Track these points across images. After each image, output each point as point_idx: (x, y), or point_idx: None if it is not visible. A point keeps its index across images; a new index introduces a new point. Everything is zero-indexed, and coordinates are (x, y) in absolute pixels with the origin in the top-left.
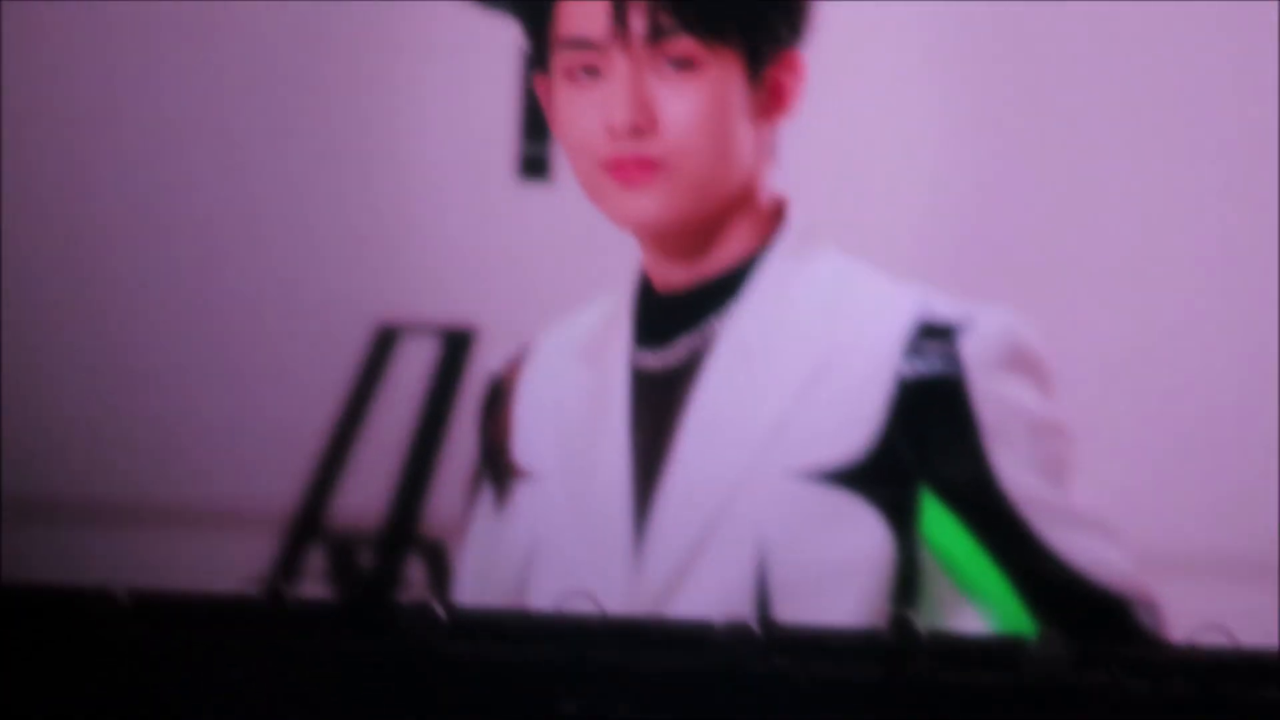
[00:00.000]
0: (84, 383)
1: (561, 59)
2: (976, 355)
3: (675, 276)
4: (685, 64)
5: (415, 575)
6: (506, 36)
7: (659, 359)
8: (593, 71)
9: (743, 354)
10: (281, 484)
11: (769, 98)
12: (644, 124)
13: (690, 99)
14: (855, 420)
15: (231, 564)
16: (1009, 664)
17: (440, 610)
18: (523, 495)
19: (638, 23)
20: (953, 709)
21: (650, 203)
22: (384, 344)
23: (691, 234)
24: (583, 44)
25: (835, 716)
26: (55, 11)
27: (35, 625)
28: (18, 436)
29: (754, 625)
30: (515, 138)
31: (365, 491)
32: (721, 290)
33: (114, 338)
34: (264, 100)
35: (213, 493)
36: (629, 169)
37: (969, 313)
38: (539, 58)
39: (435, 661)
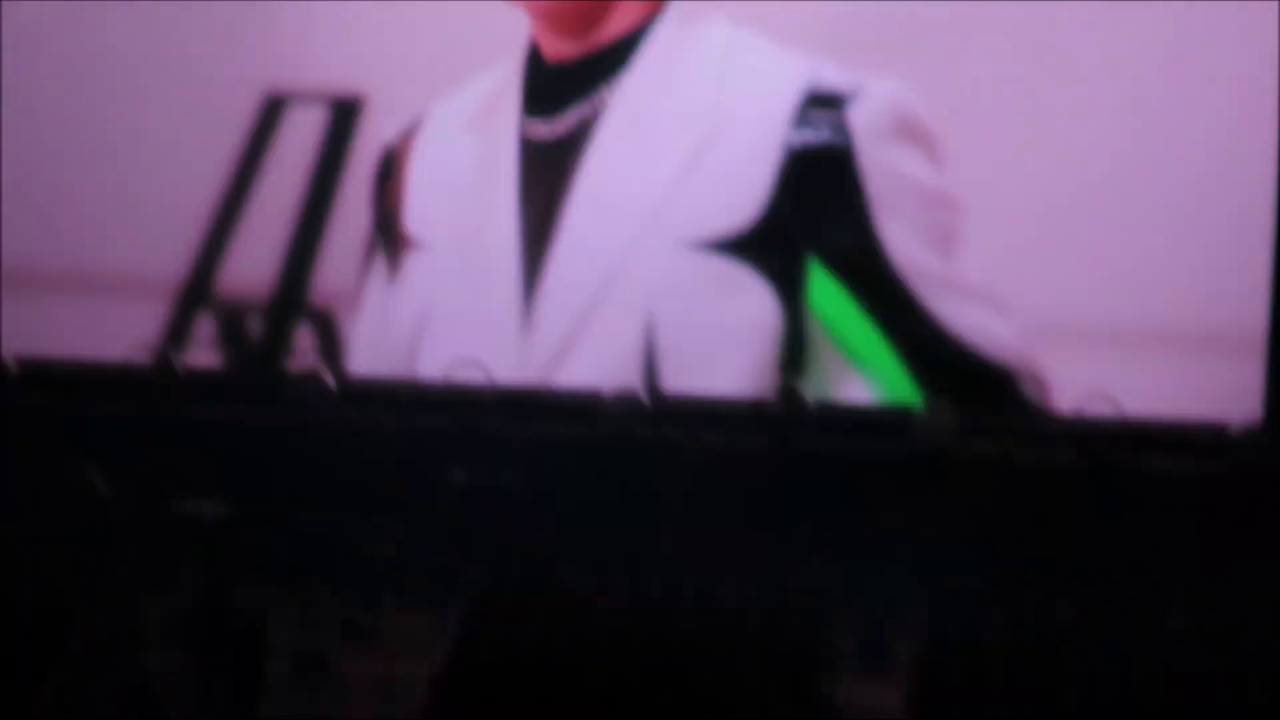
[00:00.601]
0: None
1: None
2: (865, 124)
3: (565, 46)
4: None
5: (304, 344)
6: None
7: (549, 128)
8: None
9: (632, 123)
10: (171, 251)
11: None
12: None
13: None
14: (744, 189)
15: (121, 331)
16: (896, 433)
17: (330, 379)
18: (414, 265)
19: None
20: (840, 477)
21: None
22: (272, 112)
23: (581, 5)
24: None
25: (723, 485)
26: None
27: None
28: None
29: (642, 395)
30: None
31: (254, 260)
32: (611, 59)
33: (7, 104)
34: None
35: (102, 260)
36: None
37: (858, 82)
38: None
39: (325, 430)
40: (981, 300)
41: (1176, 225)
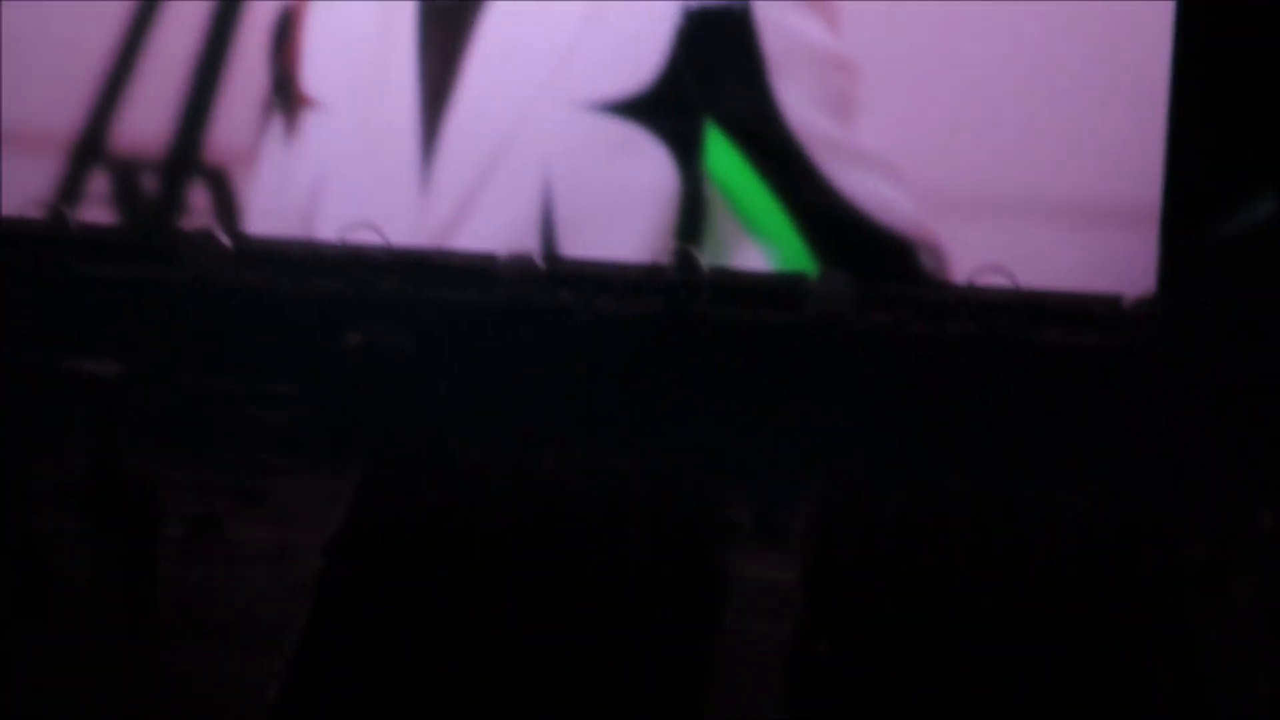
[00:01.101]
0: None
1: None
2: None
3: None
4: None
5: (199, 202)
6: None
7: None
8: None
9: None
10: (64, 104)
11: None
12: None
13: None
14: (641, 51)
15: (13, 185)
16: (791, 302)
17: (225, 239)
18: (312, 124)
19: None
20: (734, 345)
21: None
22: None
23: None
24: None
25: (617, 351)
26: None
27: None
28: None
29: (538, 259)
30: None
31: (149, 115)
32: None
33: None
34: None
35: None
36: None
37: None
38: None
39: (219, 290)
40: (879, 168)
41: (1073, 98)
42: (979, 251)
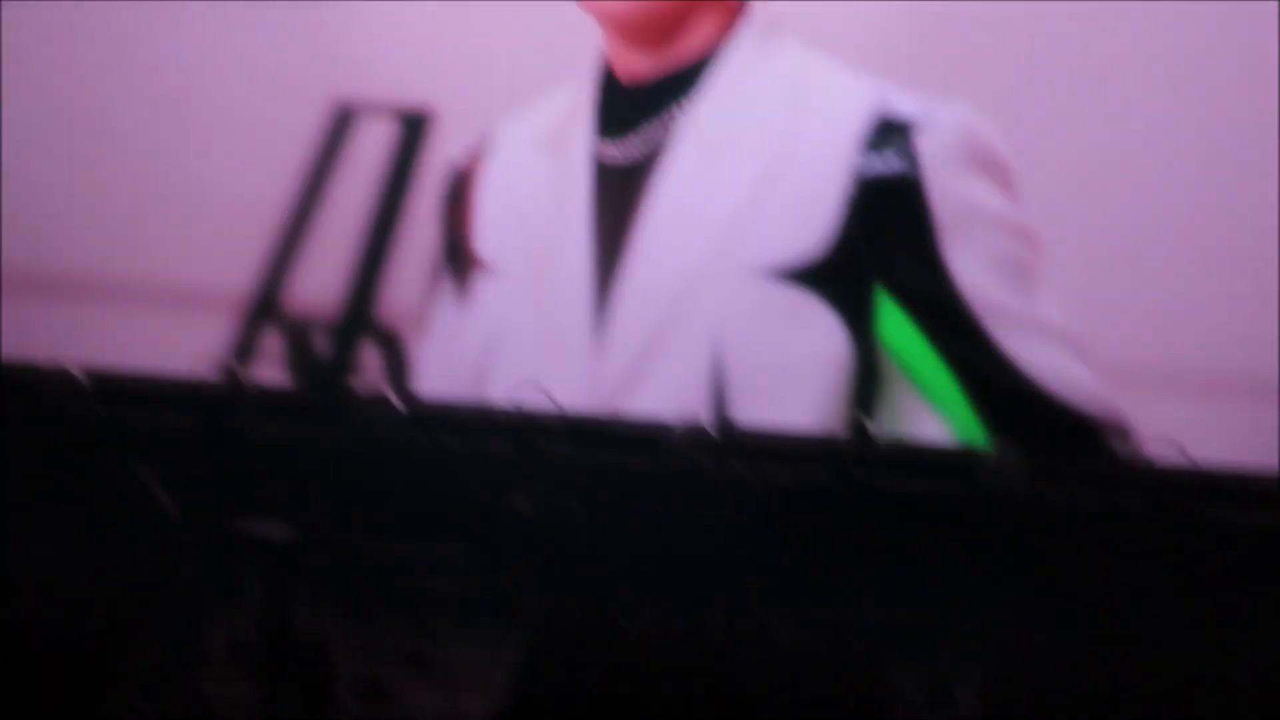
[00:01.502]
0: (44, 155)
1: None
2: (934, 153)
3: (638, 66)
4: None
5: (371, 363)
6: None
7: (621, 150)
8: None
9: (703, 147)
10: (239, 265)
11: None
12: None
13: None
14: (812, 218)
15: (188, 345)
16: (963, 474)
17: (396, 400)
18: (483, 287)
19: None
20: (905, 516)
21: None
22: (341, 124)
23: (657, 23)
24: None
25: (787, 521)
26: None
27: None
28: None
29: (709, 427)
30: None
31: (322, 275)
32: (684, 82)
33: (72, 109)
34: None
35: (171, 272)
36: None
37: (928, 109)
38: None
39: (389, 451)
40: (1058, 339)
41: (1253, 269)
42: (1152, 425)
